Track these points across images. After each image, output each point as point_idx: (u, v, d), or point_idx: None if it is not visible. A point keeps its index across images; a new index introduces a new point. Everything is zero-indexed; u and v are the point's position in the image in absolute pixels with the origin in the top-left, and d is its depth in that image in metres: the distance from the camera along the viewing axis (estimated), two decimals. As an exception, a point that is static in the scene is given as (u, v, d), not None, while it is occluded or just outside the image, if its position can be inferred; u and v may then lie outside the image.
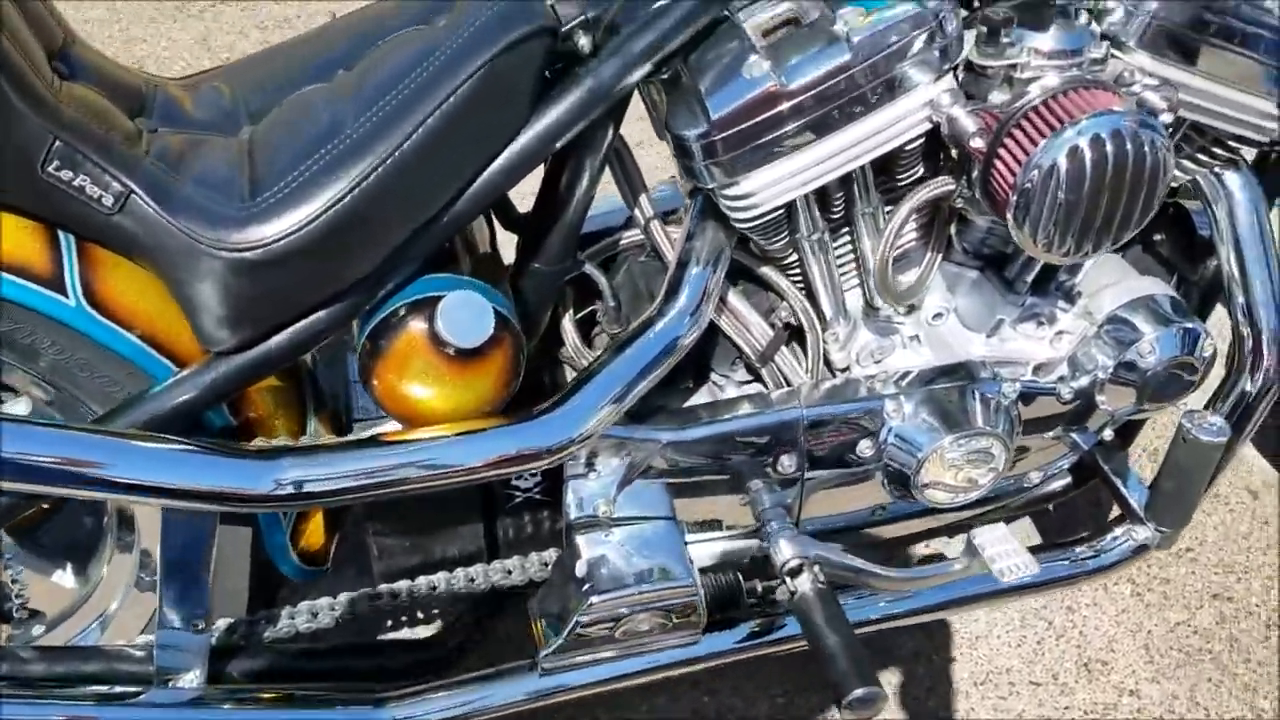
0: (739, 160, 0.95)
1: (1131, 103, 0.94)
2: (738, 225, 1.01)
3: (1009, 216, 0.93)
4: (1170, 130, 1.07)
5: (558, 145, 0.94)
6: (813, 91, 0.91)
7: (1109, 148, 0.89)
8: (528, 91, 0.91)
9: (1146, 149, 0.90)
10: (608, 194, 1.13)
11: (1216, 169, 1.12)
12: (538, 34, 0.90)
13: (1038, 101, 0.92)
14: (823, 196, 1.05)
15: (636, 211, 1.12)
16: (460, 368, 0.93)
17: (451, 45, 0.89)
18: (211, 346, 0.90)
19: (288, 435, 1.03)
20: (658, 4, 0.95)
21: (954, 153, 0.98)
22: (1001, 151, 0.92)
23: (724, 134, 0.93)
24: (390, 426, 1.01)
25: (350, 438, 0.99)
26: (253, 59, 1.05)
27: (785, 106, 0.92)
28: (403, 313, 0.93)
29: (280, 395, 1.04)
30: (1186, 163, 1.12)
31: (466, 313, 0.91)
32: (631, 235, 1.19)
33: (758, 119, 0.92)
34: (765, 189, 0.97)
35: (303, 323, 0.90)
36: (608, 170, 1.05)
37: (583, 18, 0.95)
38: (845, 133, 0.94)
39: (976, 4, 1.01)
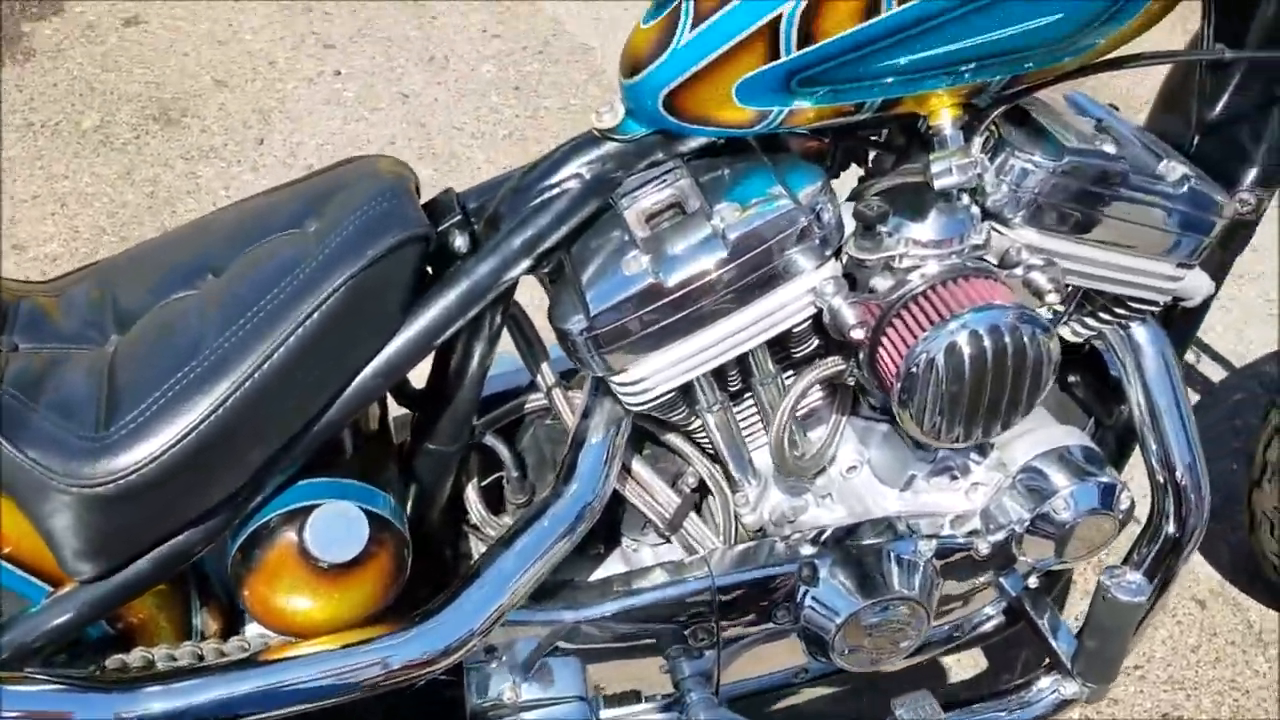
0: (623, 351, 0.93)
1: (1016, 286, 0.93)
2: (630, 409, 0.99)
3: (894, 406, 0.91)
4: (1067, 295, 1.07)
5: (436, 345, 0.92)
6: (690, 287, 0.89)
7: (986, 343, 0.87)
8: (399, 299, 0.89)
9: (1026, 342, 0.89)
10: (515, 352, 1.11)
11: (1121, 323, 1.11)
12: (408, 242, 0.88)
13: (917, 292, 0.90)
14: (719, 372, 1.03)
15: (539, 378, 1.10)
16: (334, 579, 0.89)
17: (317, 257, 0.86)
18: (74, 577, 0.86)
19: (171, 637, 0.99)
20: (541, 196, 0.94)
21: None
22: (884, 341, 0.91)
23: (605, 328, 0.91)
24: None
25: (211, 662, 0.94)
26: (128, 256, 1.02)
27: (664, 301, 0.90)
28: (273, 524, 0.89)
29: (162, 597, 0.99)
30: (1090, 320, 1.11)
31: (337, 526, 0.87)
32: (536, 399, 1.17)
33: (637, 313, 0.90)
34: (653, 376, 0.94)
35: (170, 544, 0.87)
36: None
37: (458, 218, 0.93)
38: (728, 321, 0.92)
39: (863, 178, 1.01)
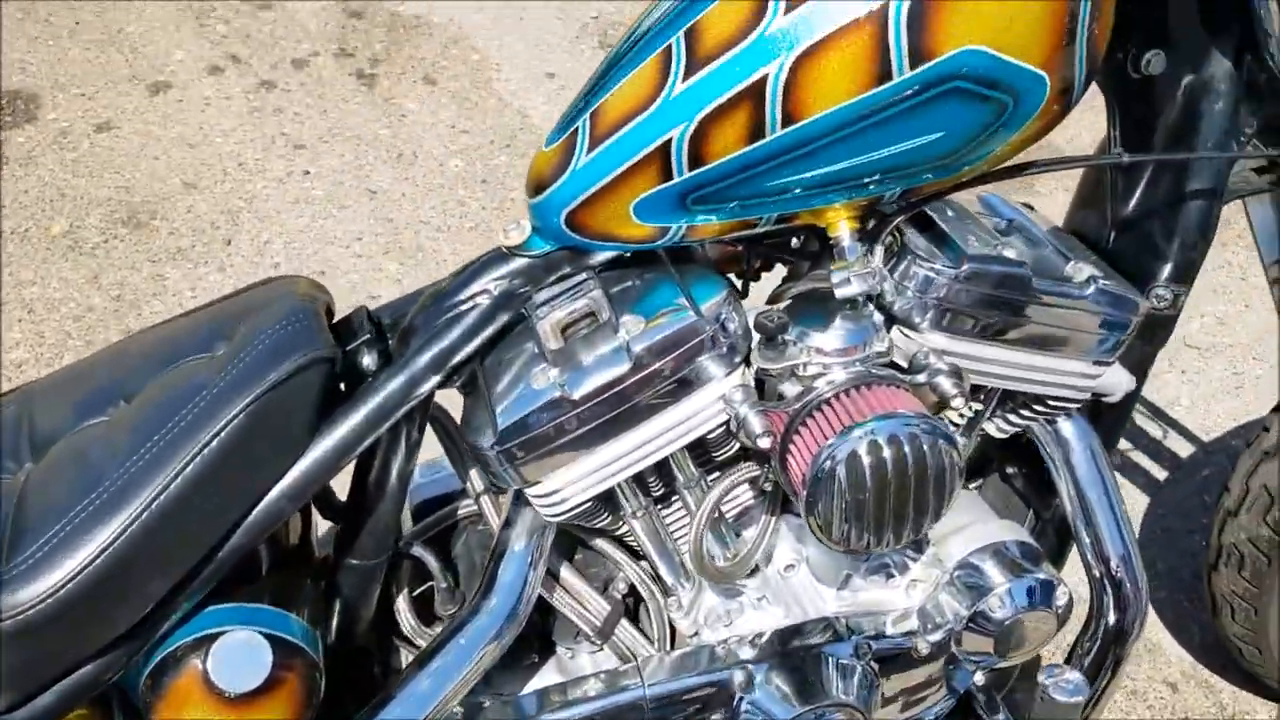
0: (534, 464, 0.93)
1: (923, 391, 0.93)
2: (550, 520, 0.99)
3: (803, 514, 0.91)
4: (988, 394, 1.08)
5: (345, 463, 0.92)
6: (596, 400, 0.90)
7: (886, 452, 0.87)
8: (304, 421, 0.90)
9: (926, 451, 0.89)
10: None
11: (1046, 419, 1.11)
12: (312, 364, 0.89)
13: (821, 400, 0.91)
14: (640, 477, 1.03)
15: (468, 484, 1.10)
16: (241, 708, 0.88)
17: (221, 382, 0.87)
18: (-24, 710, 0.86)
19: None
20: (451, 312, 0.95)
21: None
22: (791, 448, 0.91)
23: (513, 442, 0.91)
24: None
25: None
26: (50, 380, 1.03)
27: (571, 414, 0.90)
28: (179, 653, 0.88)
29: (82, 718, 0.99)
30: (1012, 417, 1.11)
31: (240, 655, 0.87)
32: (469, 505, 1.16)
33: (546, 427, 0.90)
34: (567, 487, 0.94)
35: (75, 677, 0.86)
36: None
37: (367, 336, 0.94)
38: (639, 431, 0.93)
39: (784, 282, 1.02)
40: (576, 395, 0.90)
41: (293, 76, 2.67)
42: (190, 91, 2.60)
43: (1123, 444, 2.15)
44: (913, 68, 0.80)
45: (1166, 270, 1.04)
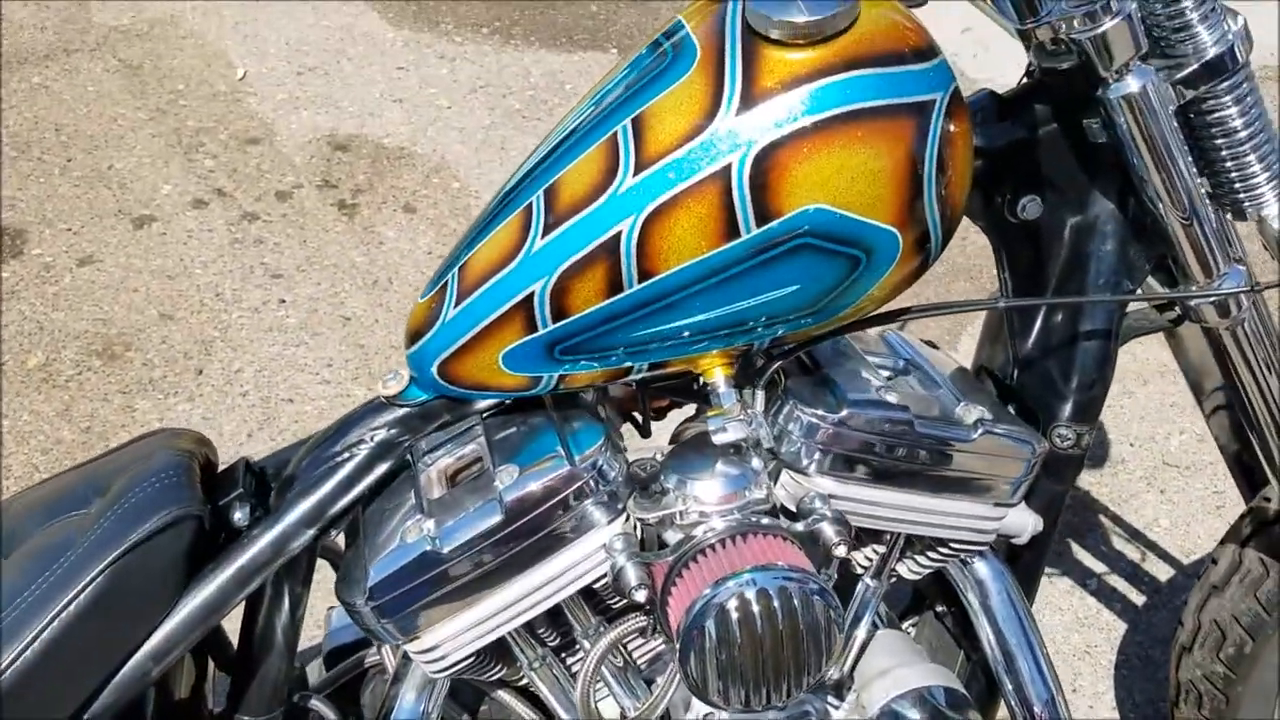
0: (410, 619, 0.91)
1: (806, 539, 0.91)
2: (434, 676, 0.96)
3: (679, 669, 0.89)
4: (888, 540, 1.06)
5: (215, 622, 0.91)
6: (467, 553, 0.89)
7: (756, 607, 0.85)
8: (170, 580, 0.89)
9: (799, 605, 0.86)
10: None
11: (960, 560, 1.09)
12: (177, 522, 0.88)
13: (696, 551, 0.89)
14: (533, 627, 1.01)
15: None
16: None
17: (86, 540, 0.87)
18: None
19: None
20: (329, 463, 0.95)
21: None
22: (668, 600, 0.89)
23: (386, 598, 0.89)
24: None
25: None
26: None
27: (444, 569, 0.89)
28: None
29: None
30: (920, 559, 1.08)
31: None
32: (374, 654, 1.14)
33: (418, 581, 0.89)
34: (446, 643, 0.92)
35: None
36: None
37: (239, 491, 0.94)
38: (518, 584, 0.91)
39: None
40: (447, 549, 0.88)
41: (275, 208, 2.74)
42: (174, 224, 2.67)
43: (1100, 568, 2.10)
44: (759, 225, 0.81)
45: (1067, 410, 1.03)
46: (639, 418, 1.09)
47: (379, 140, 2.99)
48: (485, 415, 0.97)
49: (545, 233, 0.85)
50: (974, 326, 2.24)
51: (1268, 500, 1.27)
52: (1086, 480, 2.18)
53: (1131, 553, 2.11)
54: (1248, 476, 1.27)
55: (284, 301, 2.51)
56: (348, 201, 2.79)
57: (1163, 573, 2.08)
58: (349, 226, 2.72)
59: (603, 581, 0.95)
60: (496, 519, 0.89)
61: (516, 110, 3.14)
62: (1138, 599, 2.03)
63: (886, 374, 1.06)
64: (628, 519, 0.92)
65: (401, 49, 3.33)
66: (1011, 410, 1.07)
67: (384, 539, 0.92)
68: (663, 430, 1.09)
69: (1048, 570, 2.00)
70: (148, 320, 2.44)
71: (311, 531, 0.92)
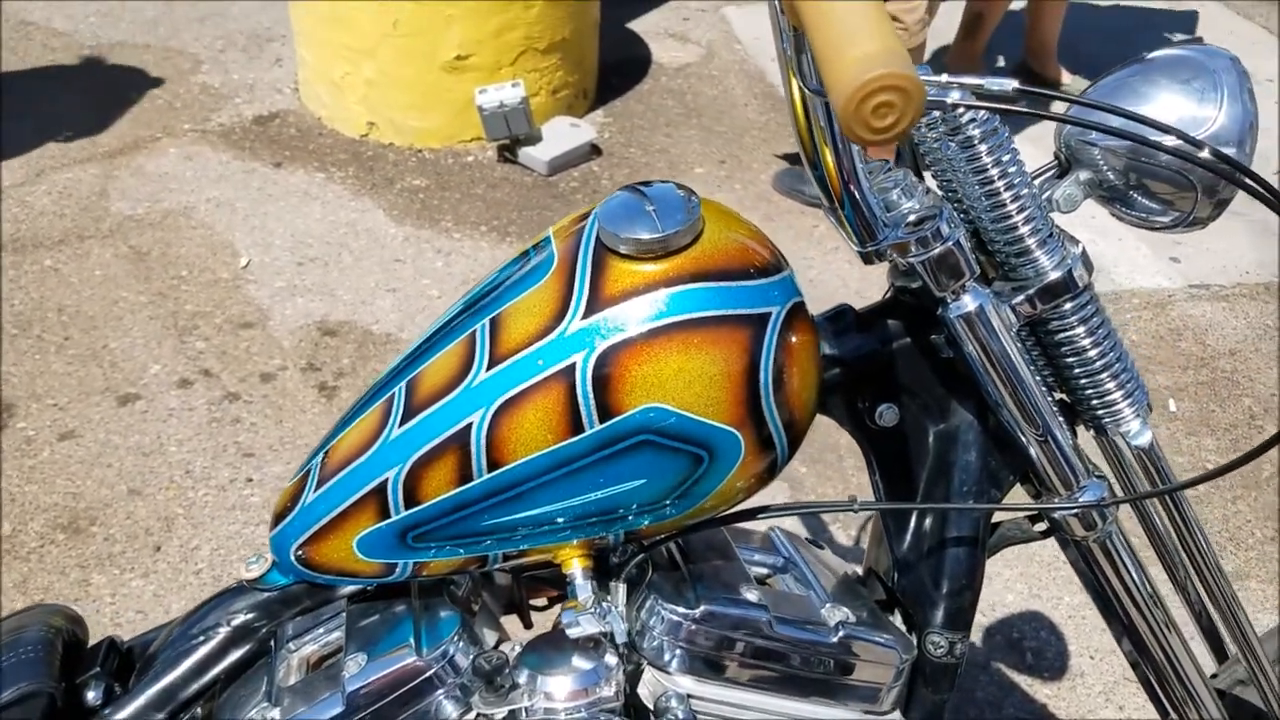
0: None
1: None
2: None
3: None
4: None
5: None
6: None
7: (583, 811, 0.84)
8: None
9: None
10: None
11: None
12: (25, 698, 0.89)
13: None
14: None
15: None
16: None
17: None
18: None
19: None
20: (187, 644, 0.95)
21: None
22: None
23: (226, 790, 0.89)
24: None
25: None
26: None
27: (285, 759, 0.89)
28: None
29: None
30: None
31: None
32: None
33: (259, 771, 0.89)
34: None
35: None
36: None
37: (96, 670, 0.95)
38: (361, 777, 0.90)
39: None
40: (290, 738, 0.88)
41: (257, 389, 2.82)
42: (156, 403, 2.75)
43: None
44: (602, 421, 0.84)
45: (939, 616, 1.03)
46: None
47: (368, 326, 3.09)
48: (349, 602, 0.98)
49: (402, 422, 0.89)
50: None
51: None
52: (1043, 693, 2.11)
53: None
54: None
55: (250, 480, 2.54)
56: (329, 384, 2.86)
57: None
58: (326, 408, 2.78)
59: (455, 777, 0.94)
60: (337, 710, 0.89)
61: (504, 304, 3.24)
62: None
63: (764, 571, 1.07)
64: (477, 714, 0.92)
65: (401, 243, 3.49)
66: (896, 614, 1.06)
67: (233, 727, 0.92)
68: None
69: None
70: (116, 495, 2.48)
71: (161, 716, 0.92)
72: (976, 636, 2.20)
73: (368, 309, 3.17)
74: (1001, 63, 4.38)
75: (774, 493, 2.32)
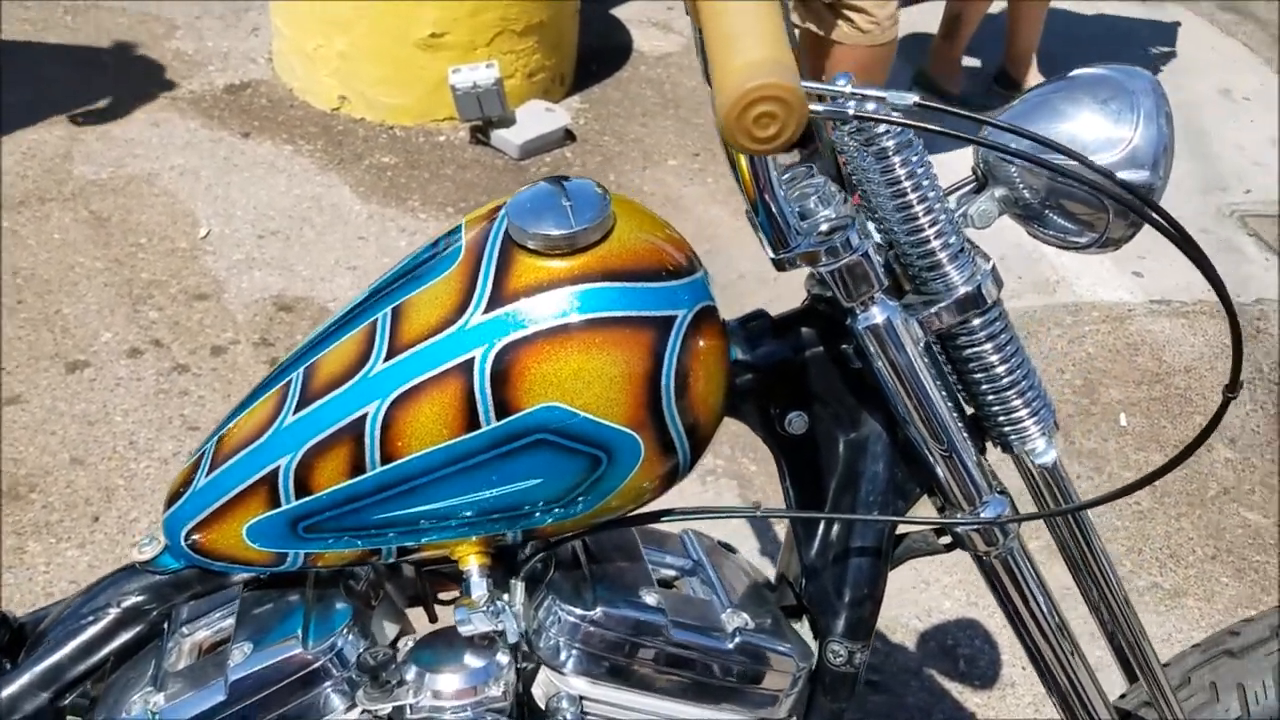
0: (128, 795, 0.89)
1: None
2: None
3: None
4: None
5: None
6: None
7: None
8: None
9: None
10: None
11: None
12: None
13: None
14: None
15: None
16: None
17: None
18: None
19: None
20: (76, 624, 0.94)
21: None
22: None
23: (103, 774, 0.88)
24: None
25: None
26: None
27: (163, 746, 0.88)
28: None
29: None
30: None
31: None
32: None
33: (137, 758, 0.88)
34: (165, 824, 0.90)
35: None
36: None
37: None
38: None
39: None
40: (168, 728, 0.87)
41: (207, 362, 2.79)
42: (105, 371, 2.71)
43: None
44: (498, 418, 0.83)
45: (840, 625, 1.02)
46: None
47: (324, 303, 3.07)
48: (244, 589, 0.97)
49: (297, 409, 0.87)
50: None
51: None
52: (974, 701, 2.12)
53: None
54: None
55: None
56: (281, 359, 2.84)
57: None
58: (279, 386, 2.76)
59: (341, 771, 0.93)
60: (219, 699, 0.88)
61: (466, 287, 3.22)
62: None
63: (671, 573, 1.06)
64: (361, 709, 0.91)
65: (366, 221, 3.46)
66: (804, 621, 1.06)
67: (115, 708, 0.91)
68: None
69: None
70: (58, 463, 2.45)
71: (46, 695, 0.91)
72: (910, 641, 2.21)
73: (326, 285, 3.14)
74: (979, 65, 4.38)
75: (722, 491, 2.31)
